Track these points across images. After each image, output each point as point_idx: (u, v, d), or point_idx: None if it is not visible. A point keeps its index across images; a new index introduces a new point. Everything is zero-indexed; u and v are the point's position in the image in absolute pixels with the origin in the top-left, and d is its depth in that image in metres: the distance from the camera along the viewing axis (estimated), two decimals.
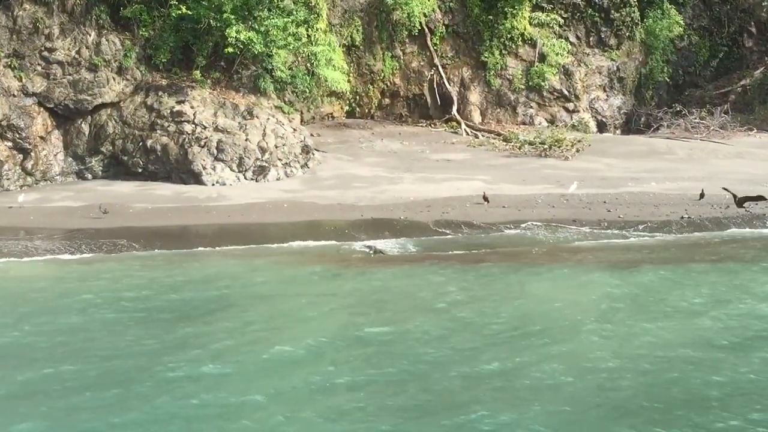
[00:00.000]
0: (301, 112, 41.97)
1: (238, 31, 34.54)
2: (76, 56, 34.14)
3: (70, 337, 17.78)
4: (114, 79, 34.71)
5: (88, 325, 18.67)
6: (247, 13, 35.31)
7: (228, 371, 15.98)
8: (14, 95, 33.25)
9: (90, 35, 34.49)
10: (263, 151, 34.54)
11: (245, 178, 34.04)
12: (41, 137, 33.73)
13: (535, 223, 28.70)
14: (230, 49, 34.88)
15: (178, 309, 20.08)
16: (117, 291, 21.20)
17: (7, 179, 32.68)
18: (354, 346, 17.54)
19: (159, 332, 18.14)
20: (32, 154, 33.42)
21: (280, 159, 34.93)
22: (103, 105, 34.57)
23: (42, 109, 33.85)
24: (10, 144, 33.11)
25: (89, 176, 34.41)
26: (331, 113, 44.54)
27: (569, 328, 18.46)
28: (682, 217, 29.79)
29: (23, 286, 21.78)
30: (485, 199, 30.99)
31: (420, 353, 16.96)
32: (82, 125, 34.54)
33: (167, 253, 25.21)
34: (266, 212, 29.72)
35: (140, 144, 34.25)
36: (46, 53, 33.82)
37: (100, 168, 34.52)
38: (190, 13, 34.37)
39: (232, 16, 34.55)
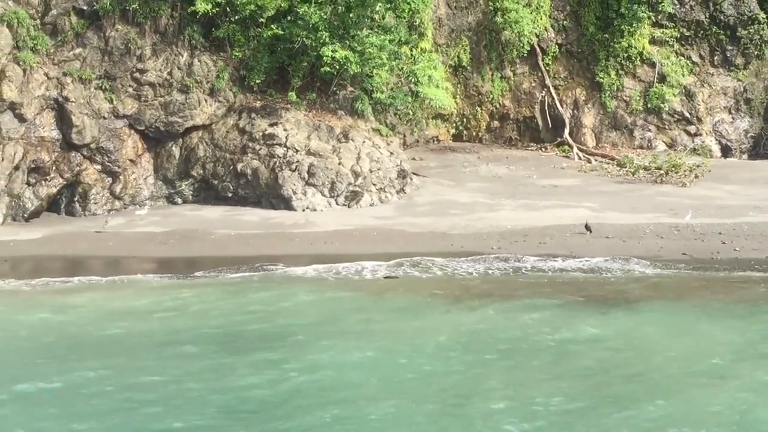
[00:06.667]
0: (404, 135, 40.44)
1: (333, 50, 33.12)
2: (168, 77, 33.25)
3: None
4: (206, 100, 33.74)
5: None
6: (343, 31, 33.92)
7: None
8: (104, 117, 32.57)
9: (182, 56, 33.60)
10: (356, 175, 33.03)
11: (337, 203, 32.57)
12: (131, 160, 32.98)
13: None
14: (326, 69, 33.52)
15: None
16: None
17: (95, 203, 32.01)
18: None
19: None
20: (121, 177, 32.67)
21: (374, 184, 33.35)
22: (195, 127, 33.65)
23: (132, 131, 33.11)
24: (99, 167, 32.46)
25: (179, 200, 33.54)
26: (437, 136, 42.84)
27: None
28: None
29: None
30: (587, 228, 28.75)
31: None
32: (173, 148, 33.67)
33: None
34: (351, 240, 28.12)
35: (231, 168, 33.16)
36: (137, 74, 33.03)
37: (191, 192, 33.63)
38: (282, 32, 33.13)
39: (327, 35, 33.12)
